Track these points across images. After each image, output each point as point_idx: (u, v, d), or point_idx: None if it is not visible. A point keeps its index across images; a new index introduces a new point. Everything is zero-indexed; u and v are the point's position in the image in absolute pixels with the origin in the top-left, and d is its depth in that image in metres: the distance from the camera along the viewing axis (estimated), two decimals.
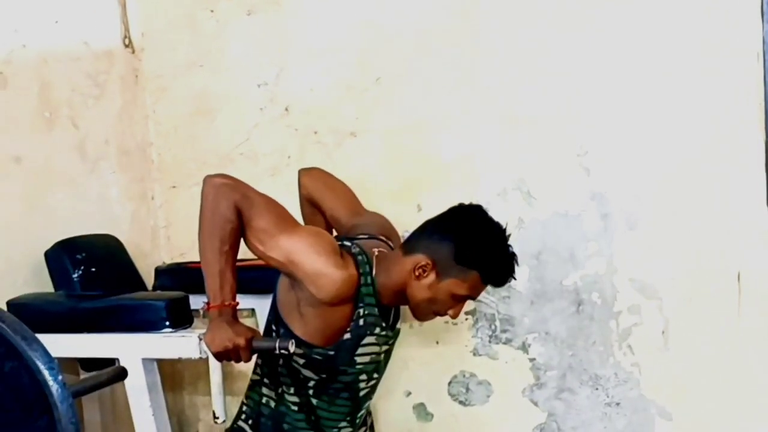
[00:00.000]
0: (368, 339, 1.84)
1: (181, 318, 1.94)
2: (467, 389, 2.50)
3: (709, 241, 2.22)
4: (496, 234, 1.86)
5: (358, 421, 1.98)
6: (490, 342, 2.46)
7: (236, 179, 1.80)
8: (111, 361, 1.93)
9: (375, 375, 1.94)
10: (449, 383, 2.52)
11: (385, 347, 1.94)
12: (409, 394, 2.57)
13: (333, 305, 1.77)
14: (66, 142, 2.46)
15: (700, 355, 2.24)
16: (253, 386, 1.93)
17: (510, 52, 2.36)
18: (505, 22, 2.36)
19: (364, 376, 1.90)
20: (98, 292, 2.14)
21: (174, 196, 2.77)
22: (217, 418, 1.86)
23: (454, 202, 2.34)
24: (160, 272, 2.51)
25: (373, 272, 1.83)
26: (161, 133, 2.80)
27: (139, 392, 1.92)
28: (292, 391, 1.87)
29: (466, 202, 1.91)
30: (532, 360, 2.42)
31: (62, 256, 2.22)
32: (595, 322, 2.35)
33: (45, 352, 1.25)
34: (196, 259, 1.79)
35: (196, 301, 1.89)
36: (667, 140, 2.24)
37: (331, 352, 1.81)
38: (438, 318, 2.44)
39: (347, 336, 1.81)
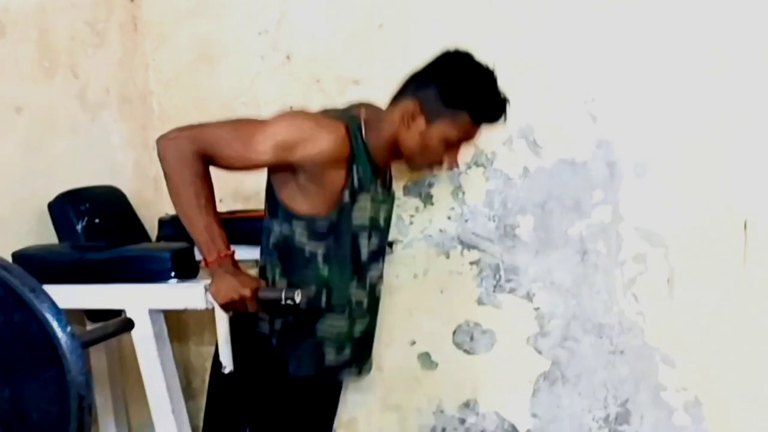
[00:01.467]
0: (364, 195, 1.84)
1: (186, 268, 1.93)
2: (471, 338, 2.51)
3: (715, 189, 2.21)
4: (484, 73, 1.84)
5: (367, 285, 1.95)
6: (494, 291, 2.47)
7: (184, 127, 1.77)
8: (117, 312, 1.93)
9: (374, 238, 1.92)
10: (453, 332, 2.53)
11: (382, 210, 1.93)
12: (414, 343, 2.58)
13: (331, 166, 1.76)
14: (66, 92, 2.43)
15: (705, 303, 2.25)
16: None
17: None
18: None
19: (363, 238, 1.89)
20: (102, 243, 2.14)
21: None
22: (224, 367, 1.86)
23: (460, 152, 2.33)
24: (163, 223, 2.50)
25: (363, 130, 1.82)
26: (162, 82, 2.77)
27: (146, 343, 1.92)
28: (278, 273, 1.86)
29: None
30: (536, 309, 2.43)
31: (66, 208, 2.21)
32: (599, 270, 2.35)
33: (53, 304, 1.25)
34: None
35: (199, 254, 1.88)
36: (674, 87, 2.21)
37: (334, 219, 1.81)
38: (443, 267, 2.47)
39: (346, 198, 1.81)
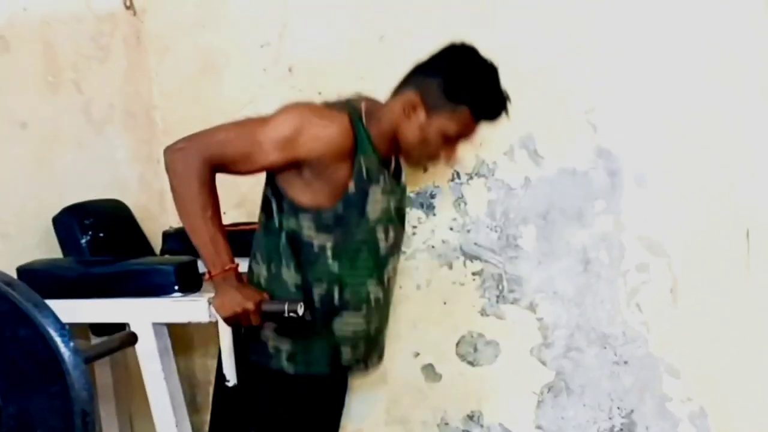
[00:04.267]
0: (374, 188, 1.82)
1: (190, 282, 1.94)
2: (475, 349, 2.51)
3: (717, 198, 2.21)
4: (487, 69, 1.83)
5: (385, 281, 1.92)
6: (497, 302, 2.47)
7: (190, 136, 1.77)
8: (121, 326, 1.94)
9: (390, 230, 1.90)
10: (457, 343, 2.53)
11: (393, 199, 1.91)
12: (418, 354, 2.58)
13: (336, 159, 1.75)
14: (71, 106, 2.44)
15: (709, 313, 2.25)
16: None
17: (516, 7, 2.33)
18: None
19: (381, 229, 1.86)
20: (107, 257, 2.14)
21: None
22: (228, 381, 1.87)
23: (461, 163, 2.34)
24: (167, 236, 2.51)
25: (364, 121, 1.82)
26: (165, 95, 2.78)
27: (150, 356, 1.92)
28: (292, 267, 1.83)
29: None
30: (539, 319, 2.43)
31: (70, 222, 2.22)
32: (602, 280, 2.35)
33: (56, 319, 1.26)
34: None
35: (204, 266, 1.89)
36: (675, 96, 2.22)
37: (340, 210, 1.79)
38: (445, 278, 2.47)
39: (351, 189, 1.79)
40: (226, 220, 2.12)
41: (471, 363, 2.52)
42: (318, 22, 2.54)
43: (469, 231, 2.46)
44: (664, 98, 2.22)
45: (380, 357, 2.06)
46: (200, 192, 1.72)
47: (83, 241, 2.22)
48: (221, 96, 2.69)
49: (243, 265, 1.86)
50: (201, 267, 2.01)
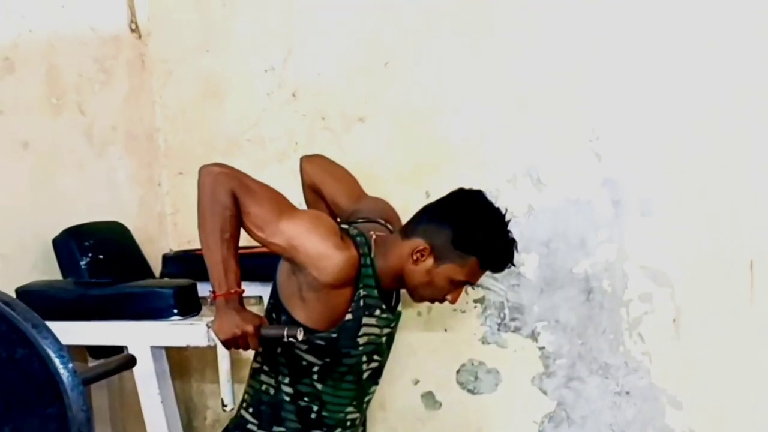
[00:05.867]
0: (368, 320, 1.84)
1: (189, 305, 1.93)
2: (476, 377, 2.49)
3: (721, 228, 2.20)
4: (496, 220, 1.85)
5: (364, 406, 1.98)
6: (499, 330, 2.45)
7: (232, 168, 1.80)
8: (119, 349, 1.93)
9: (376, 357, 1.94)
10: (458, 371, 2.51)
11: (386, 330, 1.94)
12: (417, 382, 2.56)
13: (335, 288, 1.77)
14: (73, 128, 2.44)
15: (712, 344, 2.23)
16: (254, 374, 1.94)
17: (520, 35, 2.33)
18: (515, 4, 2.33)
19: (365, 358, 1.89)
20: (106, 279, 2.14)
21: (181, 183, 2.75)
22: (226, 405, 1.85)
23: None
24: (167, 259, 2.50)
25: (372, 254, 1.83)
26: (168, 118, 2.78)
27: (147, 380, 1.91)
28: (287, 381, 1.87)
29: (468, 187, 1.90)
30: (541, 348, 2.41)
31: (70, 244, 2.22)
32: (605, 310, 2.33)
33: (55, 340, 1.25)
34: None
35: (204, 289, 1.88)
36: (679, 126, 2.21)
37: (334, 335, 1.81)
38: (446, 305, 2.44)
39: (348, 317, 1.81)
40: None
41: (471, 391, 2.50)
42: (322, 48, 2.55)
43: None
44: (669, 128, 2.22)
45: None
46: (223, 214, 1.73)
47: (83, 263, 2.21)
48: (224, 120, 2.69)
49: (249, 289, 1.85)
50: (201, 291, 2.01)
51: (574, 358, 2.38)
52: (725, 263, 2.20)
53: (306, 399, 1.87)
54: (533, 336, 2.41)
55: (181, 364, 2.76)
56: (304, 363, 1.85)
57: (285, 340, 1.73)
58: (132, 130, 2.68)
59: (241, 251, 1.78)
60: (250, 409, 1.92)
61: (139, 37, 2.73)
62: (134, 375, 1.91)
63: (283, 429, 1.89)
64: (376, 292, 1.85)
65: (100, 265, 2.24)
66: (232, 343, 1.77)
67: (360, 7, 2.50)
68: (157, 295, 1.93)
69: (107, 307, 1.94)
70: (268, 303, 1.91)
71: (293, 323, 1.79)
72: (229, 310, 1.75)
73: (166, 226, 2.78)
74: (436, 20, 2.41)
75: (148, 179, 2.73)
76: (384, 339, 1.95)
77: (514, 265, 1.89)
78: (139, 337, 1.90)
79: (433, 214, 1.87)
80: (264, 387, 1.91)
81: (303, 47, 2.57)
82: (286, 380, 1.87)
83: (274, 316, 1.86)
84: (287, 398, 1.88)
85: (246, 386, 1.96)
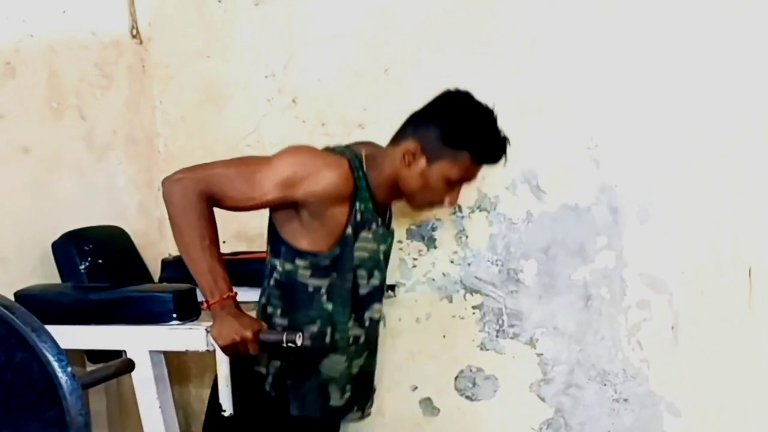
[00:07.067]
0: (366, 234, 1.85)
1: (188, 310, 1.93)
2: (474, 384, 2.49)
3: (720, 236, 2.20)
4: (484, 113, 1.84)
5: (366, 323, 1.94)
6: (497, 336, 2.45)
7: (189, 168, 1.78)
8: (118, 353, 1.92)
9: (376, 273, 1.92)
10: (456, 378, 2.51)
11: (382, 246, 1.94)
12: (416, 388, 2.56)
13: (336, 203, 1.78)
14: (73, 133, 2.45)
15: (710, 351, 2.23)
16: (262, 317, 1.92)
17: (520, 42, 2.34)
18: (515, 12, 2.34)
19: (363, 273, 1.88)
20: (105, 283, 2.13)
21: None
22: (224, 410, 1.85)
23: (463, 196, 2.34)
24: (166, 264, 2.50)
25: (364, 168, 1.84)
26: (168, 123, 2.79)
27: (146, 384, 1.91)
28: (298, 313, 1.86)
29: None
30: (539, 355, 2.41)
31: (69, 248, 2.21)
32: (603, 317, 2.33)
33: (54, 344, 1.25)
34: None
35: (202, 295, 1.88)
36: (678, 133, 2.22)
37: (337, 252, 1.81)
38: (445, 311, 2.45)
39: (348, 232, 1.81)
40: (226, 248, 2.11)
41: (469, 398, 2.50)
42: (323, 54, 2.56)
43: (470, 264, 2.45)
44: (667, 136, 2.23)
45: (372, 401, 2.07)
46: (198, 223, 1.73)
47: (82, 267, 2.21)
48: (224, 126, 2.70)
49: (242, 294, 1.84)
50: (200, 295, 2.00)
51: (573, 364, 2.38)
52: (724, 270, 2.20)
53: (318, 323, 1.85)
54: (532, 342, 2.42)
55: (179, 369, 2.76)
56: (311, 289, 1.84)
57: (284, 345, 1.72)
58: (132, 135, 2.69)
59: (234, 258, 1.78)
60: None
61: (140, 42, 2.74)
62: (133, 379, 1.90)
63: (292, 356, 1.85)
64: (371, 206, 1.85)
65: (100, 270, 2.24)
66: (231, 349, 1.76)
67: (360, 14, 2.51)
68: (157, 299, 1.93)
69: (106, 312, 1.93)
70: (268, 232, 1.89)
71: (295, 254, 1.81)
72: (227, 316, 1.75)
73: (165, 231, 2.76)
74: (435, 27, 2.42)
75: (147, 184, 2.73)
76: (381, 256, 1.94)
77: (506, 158, 1.85)
78: (137, 341, 1.89)
79: (420, 117, 1.86)
80: (273, 323, 1.88)
81: (303, 53, 2.57)
82: (297, 313, 1.85)
83: (277, 266, 1.85)
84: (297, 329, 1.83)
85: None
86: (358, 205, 1.82)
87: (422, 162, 1.82)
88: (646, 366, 2.31)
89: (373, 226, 1.87)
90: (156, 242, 2.71)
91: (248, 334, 1.73)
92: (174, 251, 2.75)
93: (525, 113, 2.33)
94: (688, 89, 2.20)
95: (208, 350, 1.82)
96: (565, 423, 2.41)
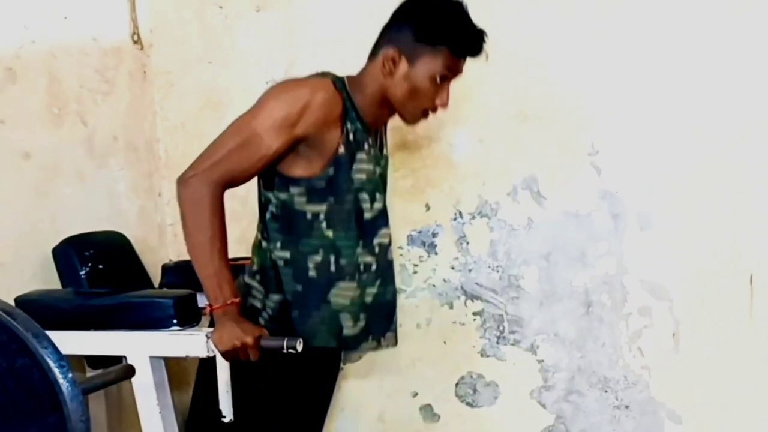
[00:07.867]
0: (360, 155, 1.83)
1: (188, 316, 1.92)
2: (474, 390, 2.49)
3: (720, 242, 2.20)
4: (455, 7, 1.83)
5: (375, 248, 1.90)
6: (498, 343, 2.45)
7: (195, 164, 1.78)
8: (118, 359, 1.92)
9: (377, 195, 1.90)
10: (456, 384, 2.51)
11: (378, 169, 1.91)
12: (416, 394, 2.55)
13: (328, 127, 1.76)
14: (74, 138, 2.45)
15: (711, 358, 2.23)
16: (258, 251, 1.90)
17: (520, 49, 2.34)
18: (515, 19, 2.35)
19: (365, 196, 1.86)
20: (106, 289, 2.13)
21: None
22: (224, 417, 1.84)
23: (464, 202, 2.35)
24: (167, 269, 2.50)
25: (349, 89, 1.83)
26: (169, 129, 2.79)
27: (146, 390, 1.90)
28: (298, 243, 1.83)
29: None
30: (540, 361, 2.41)
31: (70, 253, 2.21)
32: (604, 323, 2.33)
33: (55, 350, 1.24)
34: None
35: (203, 299, 1.88)
36: (679, 140, 2.23)
37: (331, 173, 1.79)
38: (446, 317, 2.45)
39: (341, 151, 1.80)
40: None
41: (470, 404, 2.49)
42: (324, 60, 2.54)
43: (470, 270, 2.45)
44: (668, 142, 2.23)
45: (393, 333, 2.00)
46: (211, 222, 1.72)
47: (82, 272, 2.21)
48: None
49: None
50: (200, 301, 2.00)
51: (574, 371, 2.38)
52: (725, 277, 2.20)
53: (321, 252, 1.83)
54: (532, 349, 2.41)
55: (180, 374, 2.75)
56: (309, 217, 1.81)
57: (285, 351, 1.72)
58: (133, 141, 2.69)
59: (234, 263, 1.78)
60: (257, 276, 1.88)
61: (141, 48, 2.74)
62: (133, 385, 1.90)
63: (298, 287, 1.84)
64: (361, 127, 1.83)
65: (100, 275, 2.23)
66: (232, 355, 1.76)
67: (361, 19, 2.50)
68: (157, 305, 1.92)
69: (106, 317, 1.93)
70: (259, 182, 1.87)
71: (289, 181, 1.79)
72: (229, 322, 1.74)
73: (166, 237, 2.78)
74: None
75: (148, 190, 2.73)
76: (378, 177, 1.92)
77: (486, 47, 1.84)
78: (138, 347, 1.89)
79: (391, 24, 1.86)
80: (273, 257, 1.86)
81: (304, 59, 2.57)
82: (298, 244, 1.83)
83: (271, 198, 1.83)
84: (300, 260, 1.83)
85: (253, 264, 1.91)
86: (348, 125, 1.81)
87: (403, 65, 1.81)
88: (647, 373, 2.31)
89: (366, 146, 1.85)
90: (156, 248, 2.71)
91: (249, 340, 1.72)
92: (174, 257, 2.75)
93: (526, 119, 2.34)
94: (690, 95, 2.21)
95: (208, 356, 1.81)
96: (566, 430, 2.40)
